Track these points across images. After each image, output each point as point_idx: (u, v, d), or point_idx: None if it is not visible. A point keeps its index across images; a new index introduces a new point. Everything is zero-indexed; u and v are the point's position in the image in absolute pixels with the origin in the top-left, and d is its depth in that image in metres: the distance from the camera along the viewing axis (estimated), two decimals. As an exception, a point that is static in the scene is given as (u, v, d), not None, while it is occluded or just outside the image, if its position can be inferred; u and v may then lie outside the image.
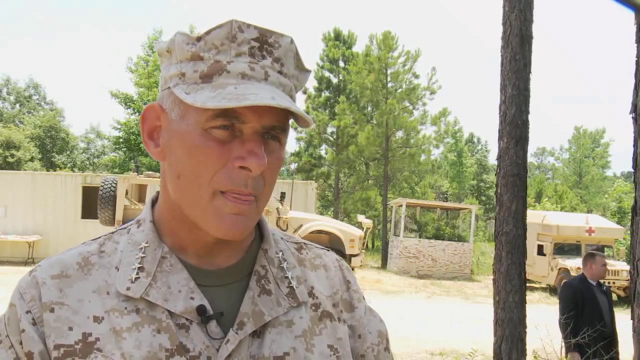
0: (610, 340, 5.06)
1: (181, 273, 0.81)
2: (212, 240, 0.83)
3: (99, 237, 0.88)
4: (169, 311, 0.78)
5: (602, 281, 5.29)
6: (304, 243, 0.97)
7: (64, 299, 0.79)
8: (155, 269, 0.81)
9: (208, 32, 0.78)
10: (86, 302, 0.79)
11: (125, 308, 0.78)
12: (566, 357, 5.17)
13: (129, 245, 0.84)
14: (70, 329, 0.77)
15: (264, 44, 0.78)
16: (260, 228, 0.93)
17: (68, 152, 35.06)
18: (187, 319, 0.78)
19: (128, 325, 0.77)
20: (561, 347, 5.42)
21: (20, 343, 0.77)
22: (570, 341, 4.99)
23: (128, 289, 0.79)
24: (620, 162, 72.20)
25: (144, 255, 0.82)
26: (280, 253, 0.91)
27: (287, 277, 0.87)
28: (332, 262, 0.97)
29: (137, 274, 0.80)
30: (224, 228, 0.78)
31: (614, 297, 13.35)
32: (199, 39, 0.78)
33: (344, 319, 0.91)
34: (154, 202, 0.90)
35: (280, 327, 0.83)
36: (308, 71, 0.86)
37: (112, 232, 0.88)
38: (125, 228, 0.88)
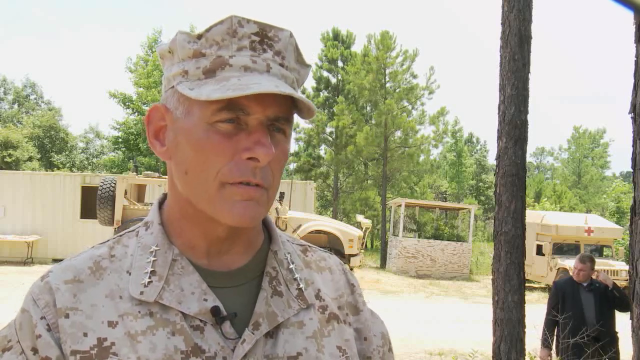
0: (598, 340, 5.06)
1: (193, 275, 0.82)
2: (223, 235, 0.83)
3: (108, 241, 0.88)
4: (182, 313, 0.79)
5: (600, 280, 5.31)
6: (308, 245, 0.98)
7: (78, 304, 0.79)
8: (167, 272, 0.82)
9: (208, 29, 0.79)
10: (99, 307, 0.79)
11: (139, 312, 0.79)
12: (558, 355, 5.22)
13: (139, 248, 0.84)
14: (85, 334, 0.77)
15: (264, 37, 0.79)
16: (268, 229, 0.94)
17: (67, 152, 35.00)
18: (201, 321, 0.79)
19: (142, 328, 0.77)
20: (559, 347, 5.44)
21: (32, 349, 0.77)
22: (549, 338, 5.18)
23: (141, 293, 0.80)
24: (619, 162, 72.30)
25: (155, 258, 0.83)
26: (289, 255, 0.91)
27: (295, 279, 0.88)
28: (336, 265, 0.98)
29: (150, 277, 0.81)
30: (235, 215, 0.78)
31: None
32: (199, 36, 0.79)
33: (350, 321, 0.92)
34: (160, 203, 0.90)
35: (292, 327, 0.83)
36: (308, 66, 0.87)
37: (120, 235, 0.88)
38: (133, 231, 0.88)
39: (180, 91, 0.78)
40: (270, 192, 0.81)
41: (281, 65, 0.80)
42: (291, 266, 0.89)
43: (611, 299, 5.18)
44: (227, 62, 0.77)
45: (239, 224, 0.79)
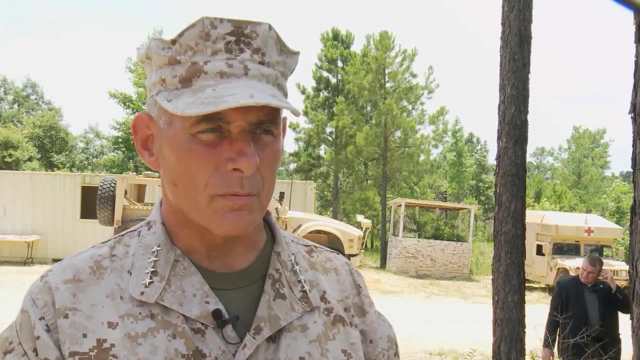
0: (599, 340, 5.06)
1: (195, 276, 0.80)
2: (220, 239, 0.82)
3: (109, 240, 0.87)
4: (184, 316, 0.77)
5: (603, 279, 5.30)
6: (314, 246, 0.96)
7: (77, 304, 0.78)
8: (169, 272, 0.80)
9: (181, 34, 0.76)
10: (99, 307, 0.78)
11: (140, 313, 0.77)
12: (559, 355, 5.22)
13: (141, 248, 0.83)
14: (85, 335, 0.76)
15: (241, 36, 0.76)
16: (272, 230, 0.92)
17: (67, 152, 34.98)
18: (202, 324, 0.77)
19: (143, 330, 0.76)
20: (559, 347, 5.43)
21: (34, 350, 0.76)
22: (549, 337, 5.20)
23: (142, 293, 0.78)
24: (619, 162, 72.32)
25: (156, 258, 0.81)
26: (293, 256, 0.89)
27: (300, 281, 0.86)
28: (342, 265, 0.96)
29: (151, 278, 0.79)
30: (226, 225, 0.76)
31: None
32: (173, 42, 0.76)
33: (356, 323, 0.90)
34: (162, 203, 0.89)
35: (295, 331, 0.82)
36: (296, 53, 0.83)
37: (122, 235, 0.87)
38: (135, 230, 0.87)
39: (159, 102, 0.77)
40: (263, 196, 0.79)
41: (261, 63, 0.77)
42: (295, 267, 0.87)
43: (614, 300, 5.17)
44: (202, 69, 0.75)
45: (231, 233, 0.77)
